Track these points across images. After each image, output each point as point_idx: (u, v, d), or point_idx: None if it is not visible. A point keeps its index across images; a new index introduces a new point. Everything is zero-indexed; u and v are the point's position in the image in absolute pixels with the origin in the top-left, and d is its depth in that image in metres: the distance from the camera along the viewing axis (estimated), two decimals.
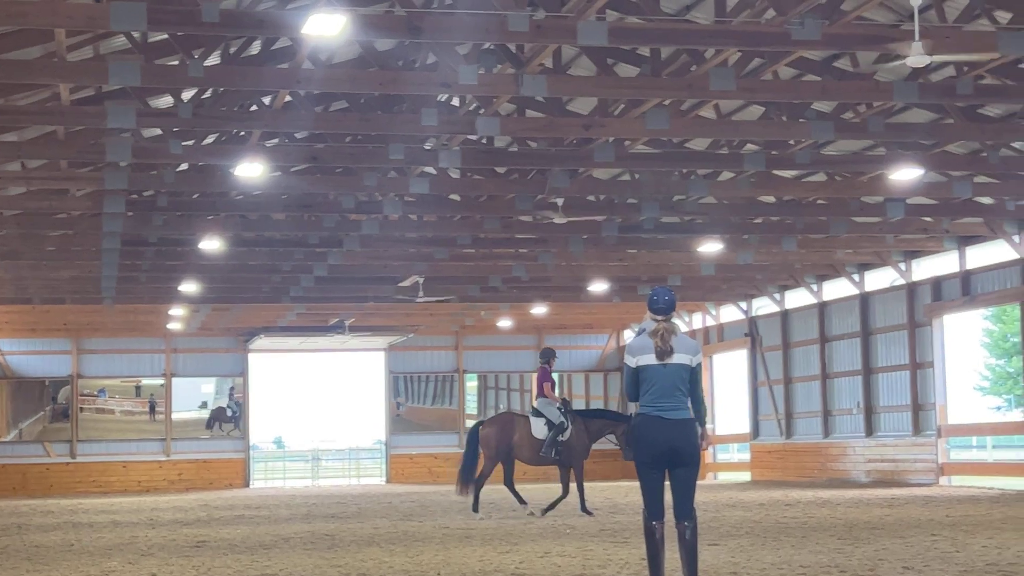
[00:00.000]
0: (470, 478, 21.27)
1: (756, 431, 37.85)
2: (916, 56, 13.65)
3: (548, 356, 21.43)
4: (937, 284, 29.70)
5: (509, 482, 21.71)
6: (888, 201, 24.24)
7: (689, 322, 41.13)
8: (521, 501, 21.62)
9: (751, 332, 37.59)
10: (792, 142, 20.46)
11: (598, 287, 33.26)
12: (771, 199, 25.15)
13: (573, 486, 20.88)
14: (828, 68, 18.70)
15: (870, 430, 32.12)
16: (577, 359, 44.21)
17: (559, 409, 20.91)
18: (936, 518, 17.98)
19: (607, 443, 21.64)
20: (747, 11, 14.91)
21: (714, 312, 39.80)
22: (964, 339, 46.66)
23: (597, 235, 25.96)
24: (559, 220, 23.92)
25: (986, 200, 24.77)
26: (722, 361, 41.16)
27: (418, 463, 42.02)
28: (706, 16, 16.79)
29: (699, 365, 9.87)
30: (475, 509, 20.93)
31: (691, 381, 9.83)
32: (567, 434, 20.79)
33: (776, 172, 22.86)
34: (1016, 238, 26.81)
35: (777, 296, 36.08)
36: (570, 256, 28.42)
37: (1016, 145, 21.55)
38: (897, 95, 16.76)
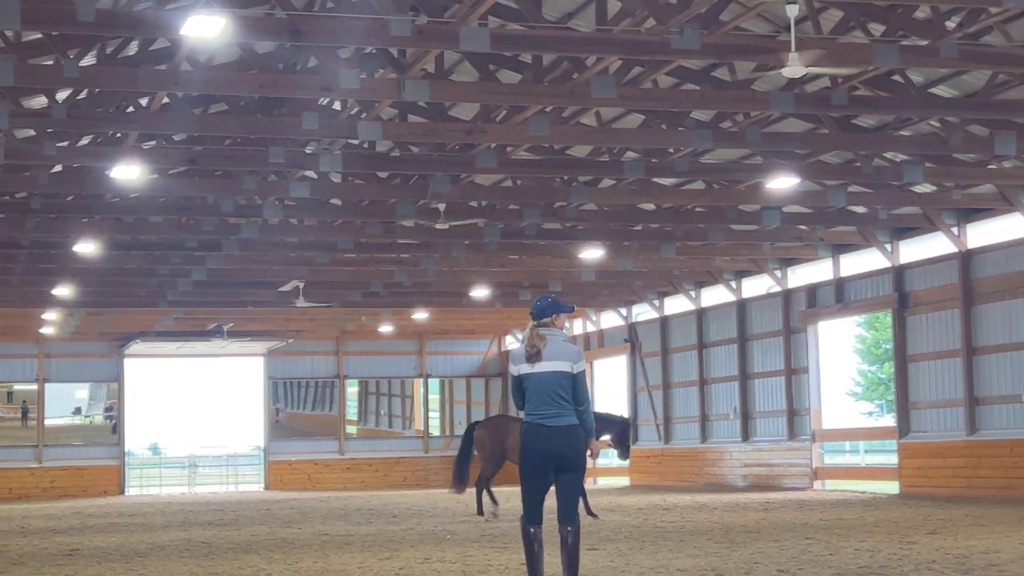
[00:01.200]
0: (462, 477, 21.22)
1: (635, 436, 38.15)
2: (792, 67, 13.88)
3: None
4: (812, 291, 30.22)
5: (480, 484, 21.49)
6: (765, 209, 24.62)
7: (570, 328, 41.35)
8: (494, 501, 21.13)
9: (631, 338, 37.91)
10: (671, 150, 20.68)
11: (480, 293, 33.30)
12: (651, 206, 25.40)
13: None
14: (707, 77, 18.94)
15: (746, 435, 32.57)
16: (459, 364, 44.22)
17: None
18: (810, 522, 18.27)
19: None
20: (628, 20, 15.04)
21: (595, 318, 40.07)
22: (838, 345, 47.57)
23: (479, 241, 25.99)
24: (441, 226, 23.90)
25: (859, 209, 25.27)
26: (602, 367, 41.44)
27: (297, 469, 41.67)
28: (587, 24, 16.91)
29: (581, 372, 9.89)
30: (480, 512, 20.84)
31: (574, 388, 9.86)
32: None
33: (656, 180, 23.08)
34: (888, 247, 27.39)
35: (656, 302, 36.44)
36: (452, 261, 28.42)
37: (889, 155, 22.02)
38: (774, 105, 17.04)
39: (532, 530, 9.86)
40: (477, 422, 22.10)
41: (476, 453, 21.43)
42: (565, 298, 35.17)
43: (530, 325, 10.01)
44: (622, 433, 21.02)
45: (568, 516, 9.79)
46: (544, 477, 9.82)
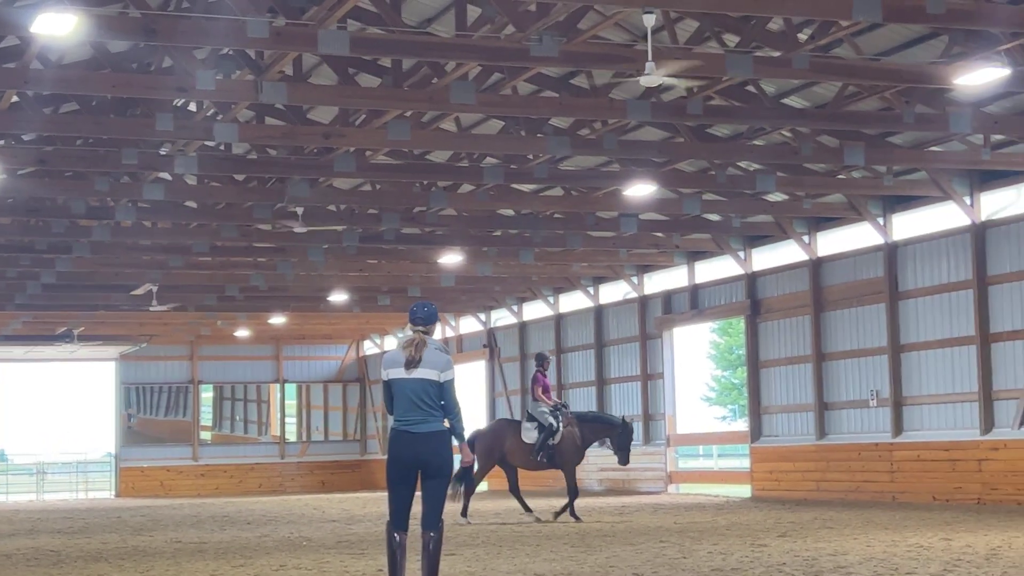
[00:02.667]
0: (460, 481, 20.95)
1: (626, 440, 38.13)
2: (649, 76, 14.03)
3: (542, 360, 21.09)
4: (667, 298, 30.62)
5: (514, 488, 21.12)
6: (622, 216, 24.88)
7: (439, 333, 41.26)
8: (526, 509, 20.83)
9: (489, 343, 38.01)
10: (530, 156, 20.78)
11: (338, 297, 33.09)
12: (510, 212, 25.50)
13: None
14: (565, 85, 19.08)
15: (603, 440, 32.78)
16: (316, 370, 43.90)
17: (550, 412, 20.43)
18: (665, 525, 18.50)
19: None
20: (487, 26, 15.08)
21: (453, 323, 40.10)
22: (692, 351, 48.25)
23: (337, 245, 25.82)
24: (299, 229, 23.70)
25: (714, 217, 25.68)
26: (461, 372, 41.34)
27: (150, 476, 40.95)
28: (447, 29, 16.91)
29: (449, 380, 9.86)
30: (463, 514, 20.47)
31: (443, 396, 9.85)
32: (557, 437, 20.32)
33: (514, 185, 23.18)
34: (741, 254, 27.88)
35: (515, 308, 36.59)
36: (310, 266, 28.19)
37: (742, 164, 22.42)
38: (631, 113, 17.22)
39: (396, 536, 9.87)
40: (478, 429, 21.73)
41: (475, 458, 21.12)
42: None
43: (415, 330, 9.94)
44: (621, 437, 20.45)
45: (431, 522, 9.81)
46: (409, 483, 9.83)
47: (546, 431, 20.28)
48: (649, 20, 13.56)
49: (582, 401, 33.73)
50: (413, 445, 9.74)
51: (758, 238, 27.38)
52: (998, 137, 20.02)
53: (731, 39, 16.19)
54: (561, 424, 20.34)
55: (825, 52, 16.29)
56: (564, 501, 20.66)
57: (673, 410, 30.63)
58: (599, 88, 18.29)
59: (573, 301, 34.32)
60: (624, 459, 20.54)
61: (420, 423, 9.75)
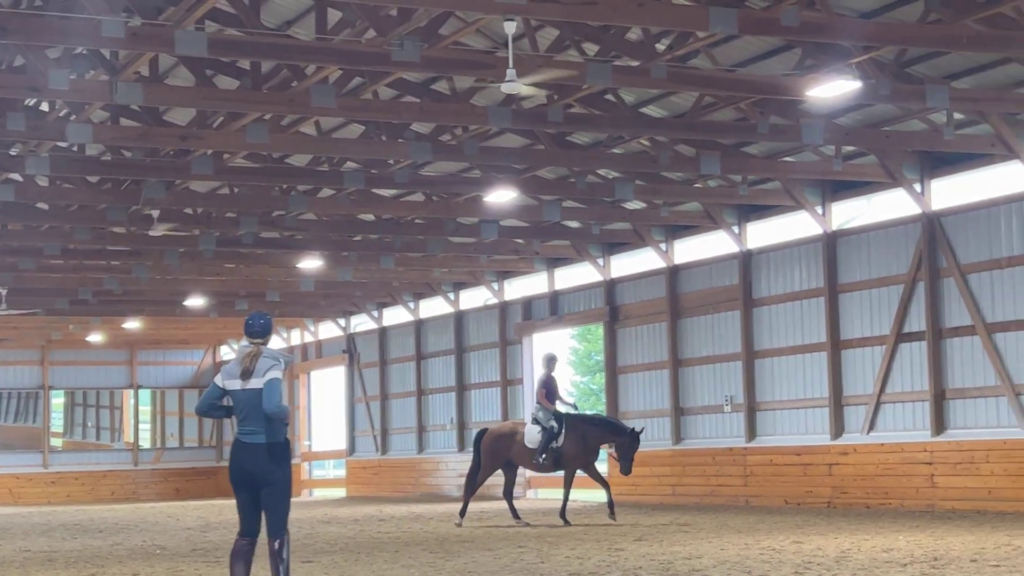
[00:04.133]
0: (476, 486, 20.64)
1: (352, 447, 38.07)
2: (510, 83, 14.09)
3: (549, 361, 20.60)
4: (527, 304, 30.77)
5: (507, 493, 20.76)
6: (483, 222, 24.94)
7: (288, 338, 40.95)
8: (515, 516, 20.44)
9: (349, 349, 37.81)
10: (391, 161, 20.72)
11: (195, 302, 32.62)
12: (370, 217, 25.39)
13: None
14: (427, 90, 19.07)
15: (463, 445, 32.87)
16: (171, 375, 43.23)
17: (553, 416, 19.96)
18: (523, 530, 18.57)
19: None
20: (348, 30, 15.00)
21: (313, 328, 39.80)
22: None
23: (194, 249, 25.46)
24: (155, 232, 23.32)
25: (573, 224, 25.88)
26: (320, 378, 41.19)
27: None
28: (307, 32, 16.78)
29: (269, 380, 9.74)
30: (461, 514, 20.24)
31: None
32: (560, 440, 19.87)
33: (375, 190, 23.09)
34: (600, 261, 28.14)
35: (375, 313, 36.45)
36: (166, 269, 27.74)
37: (602, 172, 22.63)
38: (492, 120, 17.28)
39: (241, 543, 9.89)
40: (486, 428, 21.26)
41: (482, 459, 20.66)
42: (284, 308, 34.86)
43: (255, 342, 9.91)
44: (628, 447, 19.72)
45: (273, 530, 9.84)
46: (246, 491, 9.85)
47: (548, 434, 19.92)
48: (510, 27, 13.63)
49: (442, 407, 33.76)
50: (242, 455, 9.85)
51: (617, 245, 27.67)
52: (849, 148, 20.52)
53: (591, 48, 16.34)
54: (564, 427, 19.89)
55: (682, 62, 16.53)
56: (606, 501, 20.15)
57: None
58: (460, 94, 18.31)
59: (434, 307, 34.30)
60: (626, 468, 19.80)
61: (251, 434, 9.83)
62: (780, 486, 23.33)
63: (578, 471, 20.15)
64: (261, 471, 9.79)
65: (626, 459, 19.73)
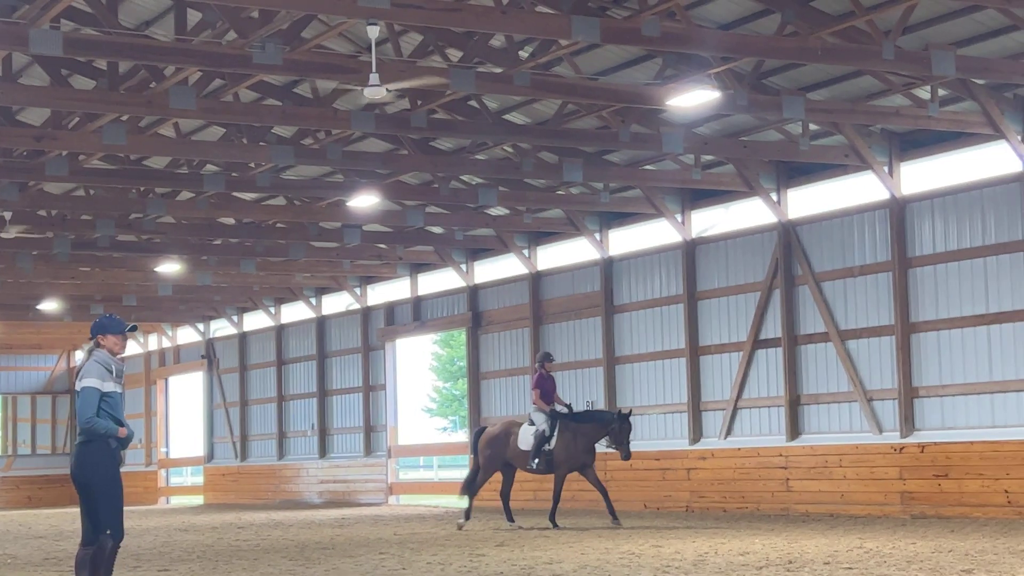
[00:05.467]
0: (476, 486, 19.98)
1: (211, 454, 37.57)
2: (372, 87, 14.04)
3: (543, 359, 19.82)
4: (390, 309, 30.68)
5: (505, 494, 20.09)
6: (345, 227, 24.81)
7: (145, 343, 40.28)
8: (509, 518, 19.85)
9: (208, 354, 37.32)
10: (252, 165, 20.51)
11: (48, 306, 31.91)
12: (231, 221, 25.09)
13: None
14: (289, 93, 18.91)
15: (324, 451, 32.67)
16: (23, 380, 42.22)
17: (546, 418, 19.28)
18: (385, 536, 18.50)
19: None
20: (208, 31, 14.82)
21: (171, 333, 39.19)
22: (414, 362, 48.46)
23: (48, 251, 24.90)
24: (6, 235, 22.76)
25: (437, 229, 25.88)
26: (178, 383, 40.57)
27: None
28: (166, 33, 16.53)
29: (79, 390, 9.78)
30: (466, 517, 19.65)
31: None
32: (552, 443, 19.19)
33: (236, 194, 22.82)
34: (464, 267, 28.17)
35: (235, 318, 36.03)
36: (18, 272, 27.07)
37: (465, 178, 22.66)
38: (355, 124, 17.19)
39: (81, 552, 9.82)
40: (484, 427, 20.53)
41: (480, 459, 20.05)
42: (141, 313, 34.27)
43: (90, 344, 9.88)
44: (616, 432, 18.90)
45: (95, 535, 9.73)
46: (80, 496, 9.83)
47: (538, 437, 19.27)
48: (373, 32, 13.57)
49: (303, 413, 33.51)
50: (72, 459, 9.97)
51: (480, 251, 27.73)
52: (708, 157, 20.84)
53: (454, 54, 16.36)
54: (557, 430, 19.21)
55: (545, 70, 16.63)
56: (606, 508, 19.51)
57: (395, 421, 30.70)
58: (323, 98, 18.20)
59: (295, 312, 34.03)
60: (625, 453, 18.91)
61: (78, 436, 9.88)
62: (640, 490, 23.58)
63: (577, 473, 19.49)
64: (81, 475, 9.75)
65: (622, 444, 18.87)
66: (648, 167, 21.66)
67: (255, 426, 35.60)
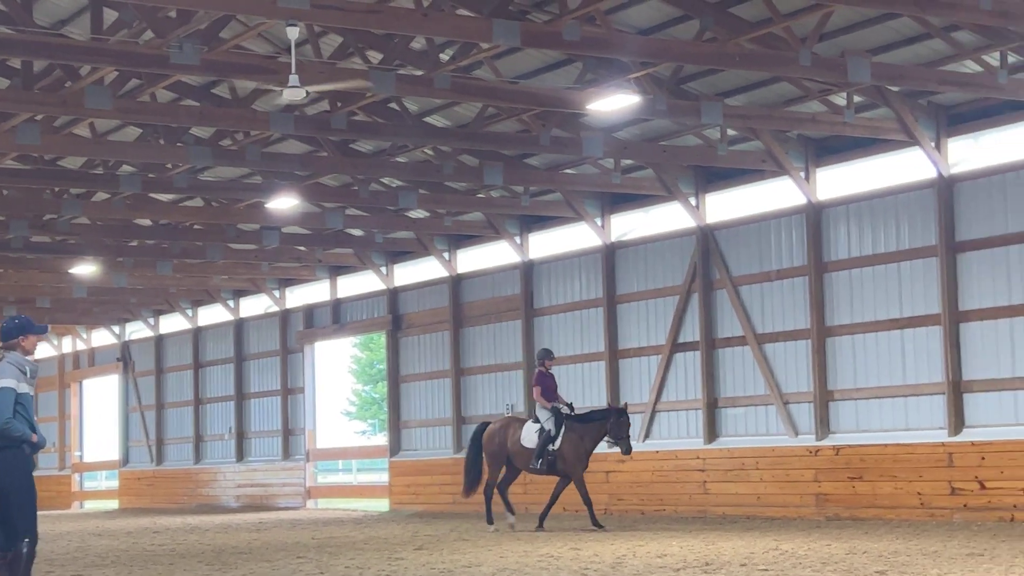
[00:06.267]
0: (474, 480, 19.39)
1: (126, 458, 37.15)
2: (292, 88, 13.94)
3: (543, 356, 19.31)
4: (309, 312, 30.51)
5: (502, 486, 19.44)
6: (264, 229, 24.64)
7: (59, 346, 39.73)
8: (510, 511, 19.22)
9: (123, 356, 36.90)
10: (169, 166, 20.31)
11: None
12: (147, 222, 24.83)
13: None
14: (207, 94, 18.74)
15: (241, 455, 32.43)
16: None
17: (549, 417, 18.72)
18: (303, 540, 18.39)
19: None
20: (125, 31, 14.65)
21: (85, 336, 38.69)
22: (334, 365, 48.25)
23: None
24: None
25: (356, 232, 25.78)
26: (92, 386, 40.07)
27: None
28: (82, 32, 16.33)
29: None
30: (489, 521, 19.13)
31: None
32: (557, 443, 18.60)
33: (153, 195, 22.60)
34: (383, 269, 28.08)
35: (151, 320, 35.65)
36: None
37: (385, 180, 22.60)
38: (274, 125, 17.09)
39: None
40: (487, 423, 19.98)
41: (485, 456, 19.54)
42: (55, 315, 33.79)
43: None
44: (614, 428, 18.36)
45: (9, 542, 9.59)
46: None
47: (543, 437, 18.71)
48: (292, 33, 13.48)
49: (220, 416, 33.23)
50: None
51: (400, 254, 27.67)
52: (628, 162, 20.95)
53: (375, 56, 16.31)
54: (562, 429, 18.63)
55: (466, 73, 16.63)
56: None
57: (313, 425, 30.53)
58: (242, 99, 18.07)
59: (213, 314, 33.74)
60: (625, 448, 18.41)
61: None
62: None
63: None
64: None
65: (622, 439, 18.36)
66: (568, 171, 21.74)
67: (171, 429, 35.24)
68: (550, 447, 18.67)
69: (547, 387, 19.04)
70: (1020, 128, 17.65)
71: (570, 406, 19.09)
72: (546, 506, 19.15)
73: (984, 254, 17.93)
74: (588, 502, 18.65)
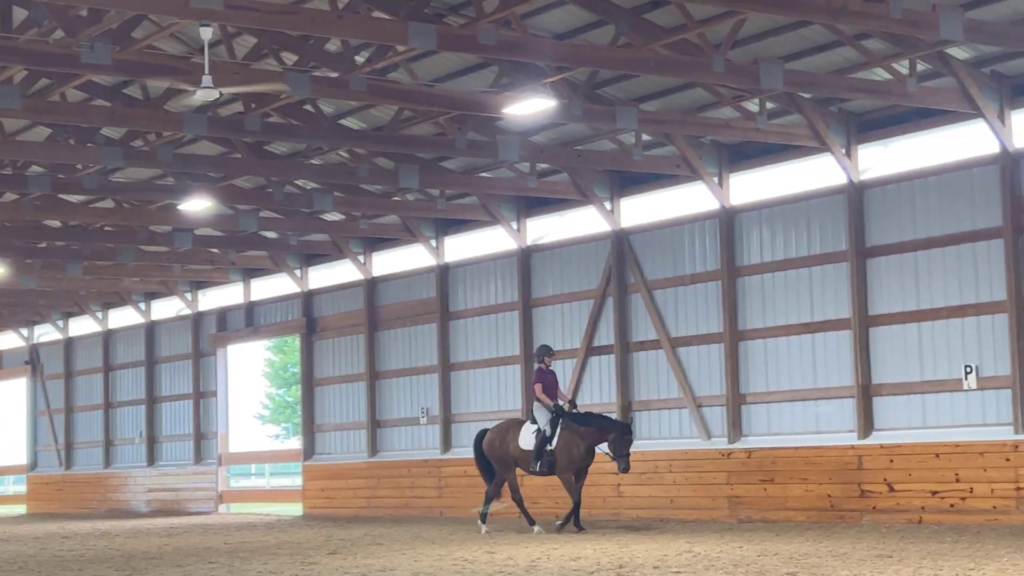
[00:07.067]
0: (491, 474, 18.96)
1: (34, 462, 36.61)
2: (205, 89, 13.82)
3: (542, 353, 18.79)
4: (222, 314, 30.25)
5: (514, 495, 19.01)
6: (176, 231, 24.40)
7: None
8: (530, 521, 18.73)
9: (32, 359, 36.37)
10: (80, 166, 20.05)
11: None
12: (57, 223, 24.49)
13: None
14: (118, 94, 18.53)
15: (152, 459, 32.08)
16: None
17: (548, 416, 18.27)
18: (215, 545, 18.23)
19: None
20: (35, 29, 14.45)
21: None
22: (247, 369, 47.88)
23: None
24: None
25: (271, 234, 25.60)
26: (0, 390, 39.48)
27: None
28: None
29: None
30: (531, 523, 18.63)
31: None
32: (554, 443, 18.15)
33: (63, 196, 22.29)
34: (298, 272, 27.91)
35: (61, 323, 35.16)
36: None
37: (300, 182, 22.46)
38: (187, 126, 16.93)
39: None
40: (484, 431, 19.47)
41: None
42: None
43: None
44: (616, 443, 17.88)
45: None
46: None
47: (540, 437, 18.30)
48: (206, 33, 13.36)
49: (131, 420, 32.86)
50: None
51: (315, 257, 27.52)
52: (543, 166, 21.01)
53: (289, 57, 16.21)
54: (559, 429, 18.24)
55: (382, 76, 16.58)
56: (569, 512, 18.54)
57: (226, 428, 30.26)
58: (154, 99, 17.88)
59: (123, 317, 33.35)
60: (623, 465, 17.91)
61: None
62: (474, 497, 23.55)
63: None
64: None
65: (622, 456, 17.87)
66: (484, 174, 21.75)
67: (81, 433, 34.78)
68: (547, 447, 18.32)
69: (547, 385, 18.64)
70: (929, 135, 17.95)
71: (572, 403, 18.76)
72: (571, 511, 18.37)
73: (893, 259, 18.20)
74: (576, 503, 18.27)
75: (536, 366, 18.96)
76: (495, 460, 19.06)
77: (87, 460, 34.52)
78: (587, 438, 18.27)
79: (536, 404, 18.67)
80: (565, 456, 18.25)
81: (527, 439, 18.56)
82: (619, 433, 18.04)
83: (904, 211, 18.09)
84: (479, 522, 19.17)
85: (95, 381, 34.05)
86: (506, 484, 19.09)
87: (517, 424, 19.10)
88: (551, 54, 14.75)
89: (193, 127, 16.95)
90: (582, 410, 18.92)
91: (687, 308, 20.72)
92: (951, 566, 11.63)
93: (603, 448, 18.19)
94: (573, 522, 18.22)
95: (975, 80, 16.43)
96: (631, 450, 18.17)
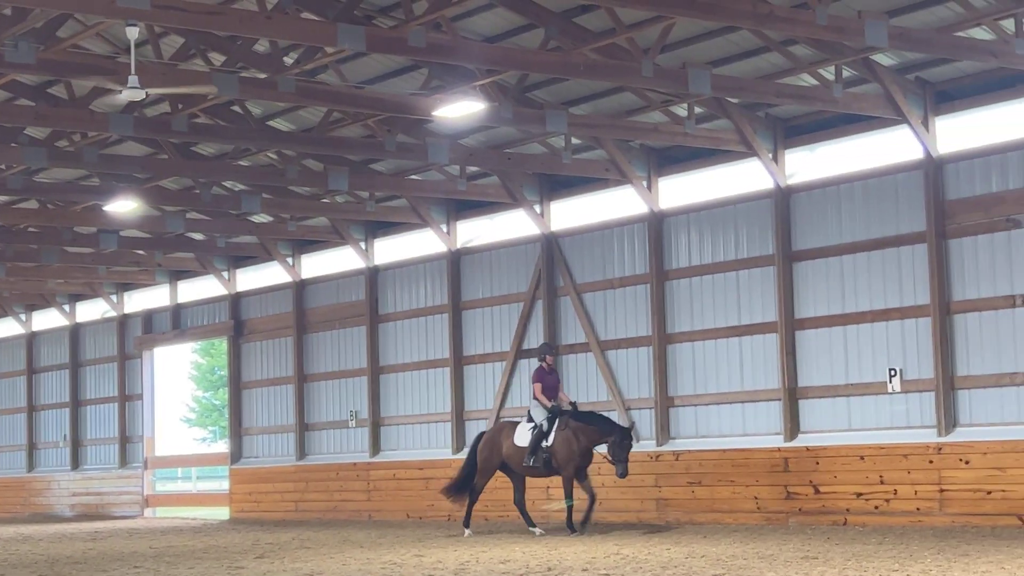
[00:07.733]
0: (463, 487, 18.57)
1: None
2: (131, 89, 13.68)
3: (543, 351, 18.47)
4: (148, 317, 29.97)
5: (518, 501, 18.57)
6: (102, 232, 24.15)
7: None
8: (530, 524, 18.34)
9: None
10: (3, 166, 19.78)
11: None
12: None
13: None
14: (43, 94, 18.31)
15: (76, 463, 31.72)
16: None
17: (546, 414, 17.94)
18: (140, 550, 18.06)
19: None
20: None
21: None
22: (173, 371, 47.51)
23: None
24: None
25: (198, 236, 25.40)
26: None
27: None
28: None
29: None
30: (465, 524, 18.45)
31: None
32: (551, 440, 17.79)
33: None
34: (226, 274, 27.71)
35: None
36: None
37: (228, 184, 22.30)
38: (113, 127, 16.75)
39: None
40: (483, 432, 19.11)
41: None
42: None
43: None
44: (617, 445, 17.51)
45: None
46: None
47: (537, 433, 18.00)
48: (132, 33, 13.23)
49: (55, 424, 32.48)
50: None
51: (243, 259, 27.33)
52: (473, 169, 21.01)
53: (217, 58, 16.09)
54: (556, 426, 17.91)
55: (311, 77, 16.51)
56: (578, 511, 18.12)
57: (152, 432, 29.98)
58: (79, 99, 17.67)
59: (47, 319, 32.95)
60: (621, 471, 17.52)
61: None
62: (403, 500, 23.58)
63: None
64: None
65: (620, 461, 17.51)
66: (414, 177, 21.71)
67: (3, 437, 34.33)
68: (543, 443, 18.05)
69: (548, 384, 18.40)
70: (854, 141, 18.15)
71: (573, 404, 18.44)
72: (587, 510, 18.06)
73: (819, 263, 18.38)
74: (570, 504, 18.03)
75: (537, 365, 18.72)
76: (484, 455, 18.69)
77: (9, 464, 34.07)
78: (587, 436, 17.93)
79: (533, 403, 18.45)
80: (564, 452, 17.94)
81: (523, 436, 18.31)
82: (619, 437, 17.71)
83: (830, 216, 18.27)
84: (530, 527, 18.48)
85: (18, 384, 33.63)
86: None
87: (511, 425, 18.84)
88: (481, 57, 14.75)
89: (119, 128, 16.77)
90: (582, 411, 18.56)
91: (616, 311, 20.80)
92: (876, 567, 11.77)
93: (601, 449, 17.98)
94: (566, 523, 18.09)
95: (900, 86, 16.64)
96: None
